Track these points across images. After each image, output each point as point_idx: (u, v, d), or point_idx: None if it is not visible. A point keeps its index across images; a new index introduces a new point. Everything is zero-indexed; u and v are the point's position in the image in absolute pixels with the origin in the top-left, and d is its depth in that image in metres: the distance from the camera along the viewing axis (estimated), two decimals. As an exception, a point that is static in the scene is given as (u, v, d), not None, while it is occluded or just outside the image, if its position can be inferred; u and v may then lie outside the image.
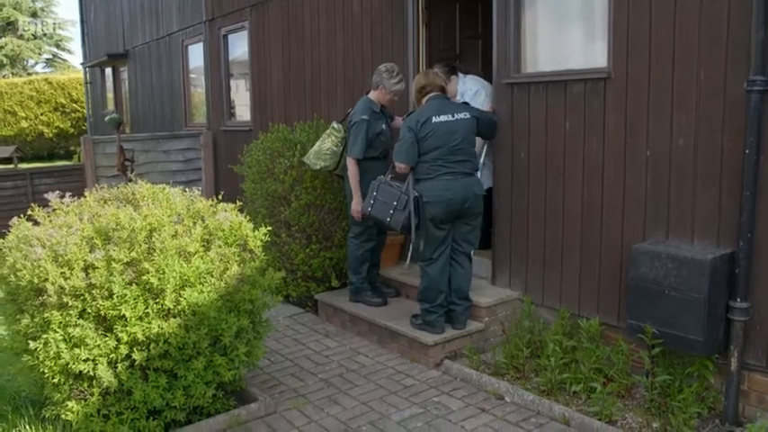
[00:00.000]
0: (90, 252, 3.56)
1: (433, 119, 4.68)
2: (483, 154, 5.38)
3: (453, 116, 4.72)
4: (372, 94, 5.35)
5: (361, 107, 5.30)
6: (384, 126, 5.34)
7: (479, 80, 5.64)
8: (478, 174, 5.11)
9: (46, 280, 3.47)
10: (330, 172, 5.65)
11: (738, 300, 3.76)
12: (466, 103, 5.10)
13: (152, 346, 3.55)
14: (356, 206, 5.28)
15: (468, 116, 4.79)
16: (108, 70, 16.28)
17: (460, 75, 5.62)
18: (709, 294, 3.72)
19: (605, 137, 4.43)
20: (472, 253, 5.01)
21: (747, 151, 3.64)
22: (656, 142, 4.16)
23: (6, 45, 33.99)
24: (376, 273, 5.74)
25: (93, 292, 3.46)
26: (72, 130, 24.08)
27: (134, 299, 3.49)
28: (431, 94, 4.86)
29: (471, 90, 5.48)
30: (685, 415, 3.71)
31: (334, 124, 5.50)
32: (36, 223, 3.93)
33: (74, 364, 3.44)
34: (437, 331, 4.81)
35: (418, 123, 4.69)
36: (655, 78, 4.13)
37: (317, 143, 5.55)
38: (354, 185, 5.26)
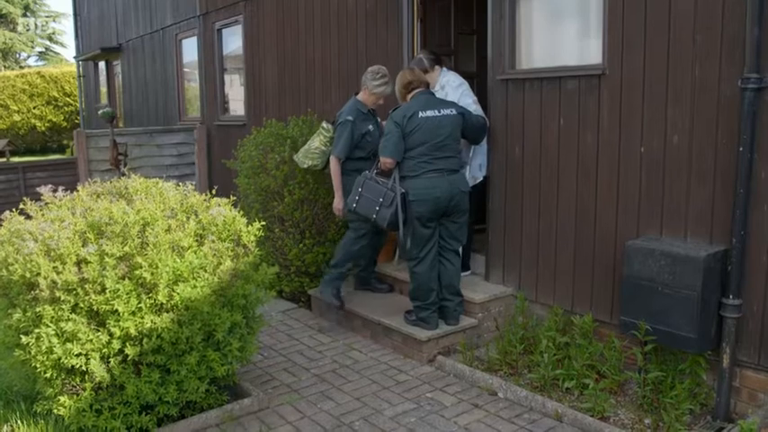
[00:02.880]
0: (83, 246, 3.54)
1: (420, 114, 4.65)
2: (471, 151, 5.27)
3: (439, 112, 4.70)
4: (360, 95, 5.39)
5: (348, 107, 5.34)
6: (371, 127, 5.34)
7: (459, 76, 5.49)
8: (467, 172, 5.11)
9: (38, 274, 3.45)
10: (321, 171, 5.65)
11: (731, 297, 3.77)
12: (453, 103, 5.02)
13: (145, 340, 3.54)
14: (338, 204, 5.33)
15: (453, 112, 4.76)
16: (101, 64, 16.20)
17: (445, 68, 5.50)
18: (702, 291, 3.73)
19: (599, 133, 4.43)
20: (461, 250, 5.02)
21: (741, 149, 3.65)
22: (650, 139, 4.16)
23: (-2, 38, 33.80)
24: (372, 270, 5.76)
25: (86, 286, 3.44)
26: (65, 124, 24.01)
27: (127, 293, 3.48)
28: (416, 90, 4.83)
29: (455, 82, 5.34)
30: (677, 411, 3.72)
31: (324, 124, 5.50)
32: (28, 217, 3.91)
33: (66, 358, 3.42)
34: (431, 327, 4.81)
35: (404, 118, 4.66)
36: (649, 75, 4.13)
37: (308, 142, 5.58)
38: (336, 184, 5.30)
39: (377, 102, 5.40)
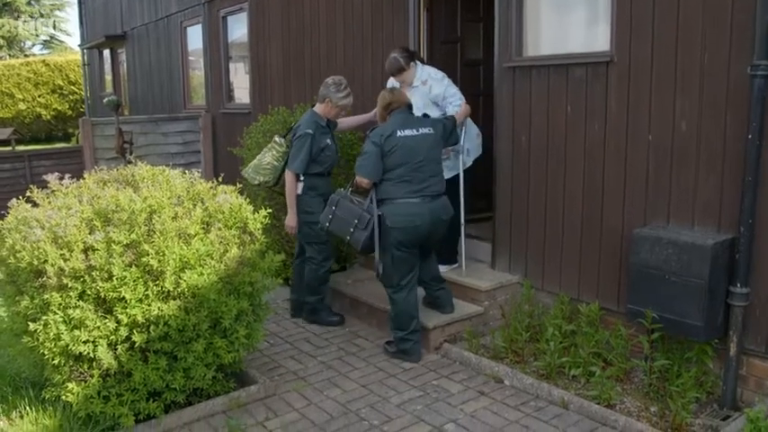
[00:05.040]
0: (89, 234, 3.54)
1: (398, 133, 4.46)
2: (462, 137, 5.14)
3: (418, 131, 4.51)
4: (318, 108, 5.15)
5: (306, 120, 5.11)
6: (329, 141, 5.13)
7: (438, 70, 5.29)
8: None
9: (45, 261, 3.46)
10: (271, 188, 5.45)
11: (738, 285, 3.76)
12: (426, 115, 4.83)
13: (152, 328, 3.55)
14: (290, 222, 5.12)
15: (431, 131, 4.56)
16: (106, 52, 16.19)
17: (419, 63, 5.29)
18: (710, 280, 3.72)
19: (607, 121, 4.41)
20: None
21: (750, 136, 3.62)
22: (658, 127, 4.14)
23: (3, 26, 33.75)
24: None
25: (93, 273, 3.45)
26: (70, 113, 24.02)
27: (134, 281, 3.49)
28: (395, 111, 4.63)
29: (437, 75, 5.17)
30: (684, 399, 3.71)
31: (277, 138, 5.28)
32: (35, 205, 3.91)
33: (74, 345, 3.44)
34: (414, 360, 4.62)
35: (382, 137, 4.47)
36: (657, 62, 4.10)
37: (258, 156, 5.36)
38: (290, 201, 5.09)
39: (339, 114, 5.22)
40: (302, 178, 5.08)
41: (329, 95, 5.09)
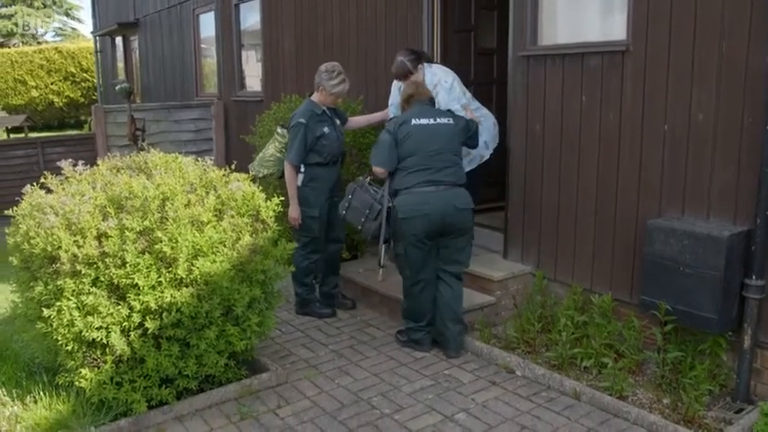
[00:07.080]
0: (103, 220, 3.55)
1: (412, 121, 4.41)
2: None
3: (435, 120, 4.44)
4: (315, 96, 5.08)
5: (301, 110, 5.04)
6: (327, 129, 5.00)
7: (447, 70, 5.17)
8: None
9: (59, 248, 3.47)
10: (279, 179, 5.33)
11: (754, 277, 3.72)
12: (450, 111, 4.76)
13: (165, 314, 3.56)
14: (293, 213, 5.00)
15: (451, 122, 4.49)
16: (118, 39, 16.20)
17: (427, 65, 5.14)
18: (725, 271, 3.69)
19: (622, 111, 4.37)
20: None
21: (768, 127, 3.58)
22: (674, 117, 4.09)
23: (16, 14, 33.85)
24: (335, 282, 5.46)
25: (106, 260, 3.46)
26: (82, 100, 24.17)
27: (147, 268, 3.49)
28: (417, 101, 4.60)
29: (446, 82, 5.03)
30: (696, 392, 3.70)
31: (278, 129, 5.20)
32: (49, 191, 3.93)
33: (87, 331, 3.45)
34: (425, 349, 4.59)
35: (396, 125, 4.45)
36: (674, 51, 4.05)
37: (263, 149, 5.31)
38: (291, 192, 4.99)
39: (335, 101, 5.13)
40: (302, 169, 5.01)
41: (322, 83, 5.01)
